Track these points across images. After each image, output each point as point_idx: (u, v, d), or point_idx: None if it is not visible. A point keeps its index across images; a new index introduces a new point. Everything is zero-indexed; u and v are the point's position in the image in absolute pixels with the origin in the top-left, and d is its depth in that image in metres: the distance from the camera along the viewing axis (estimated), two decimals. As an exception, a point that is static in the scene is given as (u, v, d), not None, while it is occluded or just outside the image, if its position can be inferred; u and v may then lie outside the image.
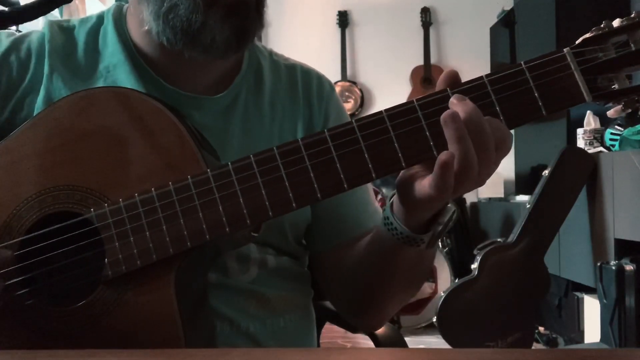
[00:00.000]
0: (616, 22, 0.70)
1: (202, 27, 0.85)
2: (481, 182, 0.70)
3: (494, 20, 4.78)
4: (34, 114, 0.88)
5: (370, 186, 1.04)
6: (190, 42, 0.87)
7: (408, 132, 0.70)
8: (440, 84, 0.72)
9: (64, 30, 0.96)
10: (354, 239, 0.98)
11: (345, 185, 0.71)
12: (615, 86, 0.70)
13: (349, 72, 5.03)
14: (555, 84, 0.69)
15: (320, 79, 1.05)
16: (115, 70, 0.93)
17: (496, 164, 0.70)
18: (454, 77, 0.72)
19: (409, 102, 0.71)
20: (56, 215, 0.75)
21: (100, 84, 0.91)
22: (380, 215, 1.03)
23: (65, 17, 2.52)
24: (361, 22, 5.10)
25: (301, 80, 1.03)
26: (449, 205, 0.78)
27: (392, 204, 0.79)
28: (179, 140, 0.75)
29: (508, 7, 4.61)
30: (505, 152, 0.70)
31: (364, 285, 0.94)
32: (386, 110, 0.71)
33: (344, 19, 5.06)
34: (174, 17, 0.85)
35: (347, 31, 5.07)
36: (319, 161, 0.71)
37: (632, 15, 0.70)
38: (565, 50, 0.70)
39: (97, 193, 0.75)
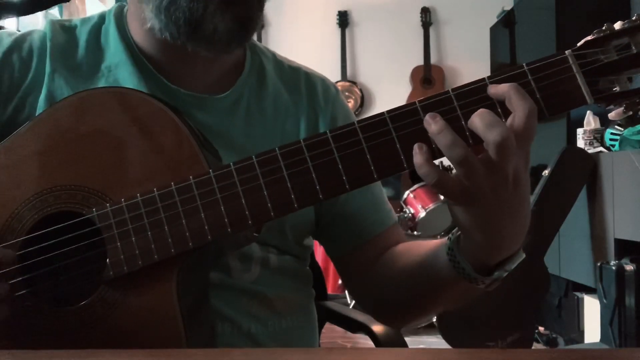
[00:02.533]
0: (618, 25, 0.70)
1: (203, 16, 0.85)
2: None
3: (494, 20, 4.78)
4: (36, 114, 0.88)
5: (380, 183, 1.05)
6: (193, 33, 0.87)
7: (410, 134, 0.70)
8: None
9: (66, 30, 0.96)
10: (376, 238, 0.99)
11: (347, 186, 0.71)
12: (617, 88, 0.70)
13: (349, 72, 5.04)
14: (557, 86, 0.69)
15: (324, 81, 1.06)
16: (117, 69, 0.93)
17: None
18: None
19: (411, 104, 0.71)
20: (58, 215, 0.75)
21: (102, 83, 0.91)
22: (394, 215, 1.03)
23: (65, 17, 2.52)
24: (361, 22, 5.10)
25: (305, 83, 1.03)
26: (520, 251, 0.78)
27: (457, 238, 0.78)
28: (181, 140, 0.75)
29: (508, 7, 4.61)
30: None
31: (403, 297, 0.94)
32: (388, 111, 0.71)
33: (344, 19, 5.06)
34: (175, 9, 0.86)
35: (347, 31, 5.08)
36: (321, 162, 0.71)
37: (634, 18, 0.70)
38: (567, 52, 0.70)
39: (99, 193, 0.75)
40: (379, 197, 1.02)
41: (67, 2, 0.77)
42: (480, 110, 0.68)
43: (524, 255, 0.78)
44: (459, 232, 0.78)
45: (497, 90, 0.69)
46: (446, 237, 0.80)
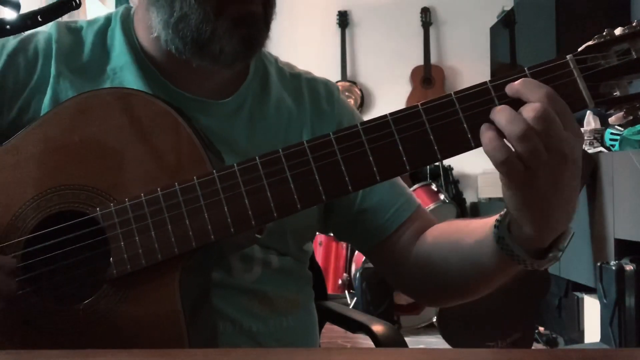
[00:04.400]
0: (618, 31, 0.71)
1: (211, 37, 0.85)
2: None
3: (494, 20, 4.78)
4: (41, 114, 0.88)
5: None
6: (199, 52, 0.87)
7: (412, 136, 0.71)
8: None
9: (72, 31, 0.96)
10: (407, 222, 0.99)
11: (350, 188, 0.72)
12: (617, 93, 0.71)
13: (349, 72, 5.03)
14: (559, 89, 0.70)
15: (327, 84, 1.06)
16: (122, 72, 0.93)
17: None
18: None
19: (413, 107, 0.72)
20: (62, 214, 0.76)
21: (107, 85, 0.92)
22: (414, 197, 1.02)
23: (66, 19, 2.51)
24: (361, 22, 5.10)
25: (307, 88, 1.03)
26: (569, 229, 0.78)
27: (508, 225, 0.78)
28: (185, 141, 0.76)
29: (508, 7, 4.61)
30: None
31: (450, 282, 0.94)
32: (391, 114, 0.72)
33: (344, 19, 5.06)
34: (184, 27, 0.86)
35: (347, 31, 5.07)
36: (324, 163, 0.72)
37: (634, 24, 0.71)
38: (568, 57, 0.71)
39: (103, 193, 0.75)
40: (396, 184, 1.01)
41: (77, 8, 0.77)
42: (520, 87, 0.69)
43: (572, 232, 0.78)
44: (507, 220, 0.78)
45: (512, 89, 0.70)
46: (491, 222, 0.80)
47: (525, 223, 0.75)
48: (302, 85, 1.03)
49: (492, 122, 0.70)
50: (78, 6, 0.73)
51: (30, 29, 0.79)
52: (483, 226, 0.83)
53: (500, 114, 0.69)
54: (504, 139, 0.69)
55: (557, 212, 0.74)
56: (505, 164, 0.69)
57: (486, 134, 0.70)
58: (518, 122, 0.68)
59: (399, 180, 1.03)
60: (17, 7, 0.78)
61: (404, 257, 0.99)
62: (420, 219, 1.01)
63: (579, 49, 0.72)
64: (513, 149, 0.69)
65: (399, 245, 0.99)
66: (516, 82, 0.70)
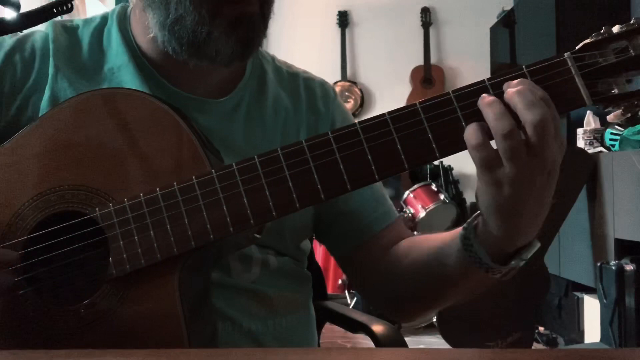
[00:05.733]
0: (616, 28, 0.71)
1: (207, 39, 0.85)
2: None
3: (494, 20, 4.78)
4: (39, 114, 0.88)
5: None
6: (195, 53, 0.87)
7: (411, 135, 0.71)
8: None
9: (68, 30, 0.96)
10: (381, 234, 0.99)
11: (349, 187, 0.72)
12: (615, 91, 0.70)
13: (349, 72, 5.03)
14: (557, 87, 0.70)
15: (323, 85, 1.06)
16: (120, 71, 0.93)
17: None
18: None
19: (411, 105, 0.72)
20: (61, 214, 0.76)
21: (105, 85, 0.92)
22: (395, 210, 1.03)
23: (65, 18, 2.51)
24: (361, 22, 5.10)
25: (304, 88, 1.03)
26: (535, 240, 0.78)
27: (475, 226, 0.78)
28: (184, 140, 0.76)
29: (508, 7, 4.62)
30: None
31: (414, 291, 0.95)
32: (389, 112, 0.72)
33: (344, 19, 5.06)
34: (180, 28, 0.86)
35: (347, 31, 5.08)
36: (322, 162, 0.72)
37: (632, 22, 0.71)
38: (566, 55, 0.71)
39: (102, 193, 0.75)
40: (379, 194, 1.02)
41: (70, 12, 0.77)
42: (522, 87, 0.68)
43: (539, 244, 0.78)
44: (475, 221, 0.78)
45: (507, 97, 0.69)
46: (460, 227, 0.80)
47: (492, 222, 0.75)
48: (300, 84, 1.04)
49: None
50: (71, 9, 0.73)
51: (19, 30, 0.79)
52: (454, 232, 0.83)
53: (489, 108, 0.69)
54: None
55: (527, 217, 0.74)
56: (485, 159, 0.69)
57: (471, 126, 0.69)
58: (506, 118, 0.68)
59: (382, 189, 1.04)
60: (17, 7, 0.78)
61: (376, 266, 0.99)
62: (397, 231, 1.02)
63: (577, 47, 0.72)
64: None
65: (373, 253, 1.00)
66: (512, 87, 0.69)
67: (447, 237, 0.85)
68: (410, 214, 3.74)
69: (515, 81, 0.70)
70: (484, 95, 0.70)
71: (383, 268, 0.99)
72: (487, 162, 0.69)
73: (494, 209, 0.73)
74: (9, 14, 0.78)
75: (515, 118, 0.68)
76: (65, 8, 0.75)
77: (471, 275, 0.81)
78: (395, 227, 1.02)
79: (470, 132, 0.69)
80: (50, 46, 0.93)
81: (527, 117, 0.67)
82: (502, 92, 0.70)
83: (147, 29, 0.90)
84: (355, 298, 3.54)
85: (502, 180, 0.70)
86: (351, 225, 1.00)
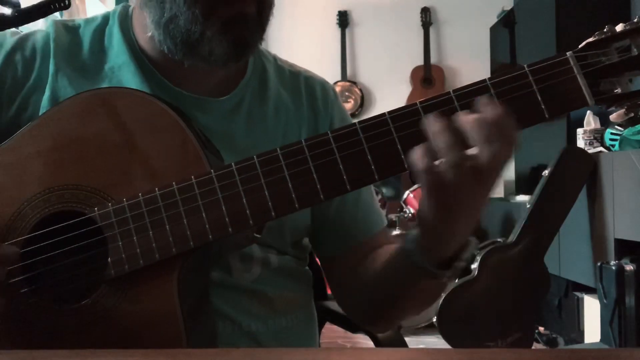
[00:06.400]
0: (619, 27, 0.71)
1: (200, 39, 0.85)
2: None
3: (494, 20, 4.78)
4: (40, 114, 0.88)
5: (372, 188, 1.05)
6: (189, 52, 0.87)
7: (411, 135, 0.71)
8: None
9: (69, 30, 0.96)
10: (364, 243, 1.00)
11: (348, 187, 0.72)
12: (618, 90, 0.70)
13: (349, 72, 5.03)
14: (558, 87, 0.70)
15: (324, 85, 1.06)
16: (121, 71, 0.93)
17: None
18: None
19: (412, 105, 0.71)
20: (60, 214, 0.76)
21: (106, 84, 0.92)
22: (383, 219, 1.04)
23: (65, 17, 2.51)
24: (361, 22, 5.10)
25: (305, 87, 1.03)
26: (470, 239, 0.79)
27: (416, 239, 0.79)
28: (183, 140, 0.75)
29: (508, 7, 4.61)
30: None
31: (377, 299, 0.95)
32: (389, 112, 0.72)
33: (344, 19, 5.06)
34: (174, 27, 0.85)
35: (347, 31, 5.08)
36: (322, 162, 0.71)
37: (635, 20, 0.70)
38: (568, 54, 0.70)
39: (101, 192, 0.75)
40: (368, 202, 1.02)
41: (67, 8, 0.77)
42: (480, 118, 0.68)
43: (475, 241, 0.80)
44: (416, 234, 0.79)
45: (461, 124, 0.68)
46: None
47: (433, 230, 0.75)
48: (301, 83, 1.03)
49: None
50: (68, 6, 0.73)
51: (17, 26, 0.79)
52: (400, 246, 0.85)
53: (440, 136, 0.68)
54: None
55: (463, 224, 0.75)
56: (431, 182, 0.70)
57: (417, 150, 0.69)
58: (456, 149, 0.68)
59: (372, 196, 1.04)
60: (17, 6, 0.78)
61: (353, 274, 1.00)
62: (379, 240, 1.02)
63: (579, 46, 0.71)
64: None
65: (353, 260, 1.00)
66: (464, 115, 0.69)
67: (397, 249, 0.86)
68: (410, 214, 3.74)
69: (466, 115, 0.69)
70: (432, 119, 0.69)
71: (356, 275, 0.99)
72: (434, 186, 0.70)
73: (435, 219, 0.74)
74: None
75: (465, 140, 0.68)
76: (62, 4, 0.75)
77: (422, 283, 0.83)
78: (379, 236, 1.02)
79: (417, 157, 0.69)
80: (51, 45, 0.93)
81: (483, 152, 0.67)
82: (504, 91, 0.70)
83: (146, 27, 0.90)
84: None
85: (446, 200, 0.71)
86: (337, 231, 1.00)
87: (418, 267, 0.78)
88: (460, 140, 0.68)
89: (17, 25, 0.78)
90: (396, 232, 3.48)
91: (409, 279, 0.84)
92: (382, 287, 0.93)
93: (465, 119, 0.68)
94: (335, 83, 4.93)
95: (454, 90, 0.71)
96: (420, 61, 4.98)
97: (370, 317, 1.02)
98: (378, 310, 0.98)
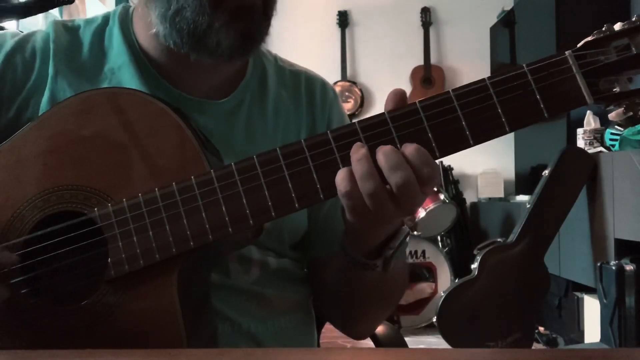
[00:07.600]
0: (617, 26, 0.70)
1: (207, 30, 0.85)
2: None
3: (494, 20, 4.78)
4: (39, 114, 0.88)
5: None
6: (196, 45, 0.87)
7: (410, 134, 0.71)
8: (387, 104, 0.73)
9: (69, 30, 0.96)
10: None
11: (348, 187, 0.72)
12: (617, 89, 0.70)
13: (349, 72, 5.03)
14: (557, 86, 0.70)
15: (324, 85, 1.06)
16: (120, 71, 0.93)
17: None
18: (400, 96, 0.72)
19: (411, 105, 0.71)
20: (60, 214, 0.76)
21: (105, 85, 0.92)
22: None
23: (65, 18, 2.51)
24: (361, 22, 5.10)
25: (305, 87, 1.03)
26: (403, 227, 0.80)
27: (344, 233, 0.81)
28: (183, 140, 0.75)
29: (508, 7, 4.62)
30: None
31: (341, 301, 0.97)
32: (389, 112, 0.72)
33: (344, 19, 5.06)
34: (180, 19, 0.85)
35: (347, 31, 5.07)
36: (322, 162, 0.71)
37: (634, 19, 0.70)
38: (567, 53, 0.70)
39: (100, 193, 0.75)
40: None
41: (70, 3, 0.77)
42: (386, 148, 0.69)
43: (407, 230, 0.81)
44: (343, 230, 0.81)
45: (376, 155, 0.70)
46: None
47: (358, 232, 0.78)
48: (301, 83, 1.03)
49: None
50: (71, 1, 0.73)
51: (18, 19, 0.79)
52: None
53: (358, 165, 0.69)
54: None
55: (382, 229, 0.78)
56: (352, 206, 0.71)
57: (341, 172, 0.70)
58: (372, 180, 0.69)
59: None
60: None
61: (330, 279, 1.00)
62: None
63: (578, 45, 0.71)
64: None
65: (333, 267, 0.99)
66: (381, 147, 0.70)
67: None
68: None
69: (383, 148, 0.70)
70: (355, 147, 0.70)
71: (328, 280, 1.00)
72: (355, 208, 0.72)
73: (360, 227, 0.76)
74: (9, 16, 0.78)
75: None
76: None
77: (362, 277, 0.84)
78: None
79: (340, 179, 0.70)
80: (51, 46, 0.93)
81: (391, 179, 0.69)
82: (503, 90, 0.70)
83: (149, 25, 0.89)
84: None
85: (365, 218, 0.73)
86: (322, 236, 1.00)
87: (350, 262, 0.81)
88: (378, 170, 0.69)
89: (19, 19, 0.78)
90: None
91: (351, 274, 0.85)
92: (339, 289, 0.94)
93: (379, 148, 0.70)
94: (335, 83, 4.92)
95: (454, 90, 0.71)
96: (420, 61, 4.98)
97: (342, 320, 1.03)
98: (345, 312, 0.99)
